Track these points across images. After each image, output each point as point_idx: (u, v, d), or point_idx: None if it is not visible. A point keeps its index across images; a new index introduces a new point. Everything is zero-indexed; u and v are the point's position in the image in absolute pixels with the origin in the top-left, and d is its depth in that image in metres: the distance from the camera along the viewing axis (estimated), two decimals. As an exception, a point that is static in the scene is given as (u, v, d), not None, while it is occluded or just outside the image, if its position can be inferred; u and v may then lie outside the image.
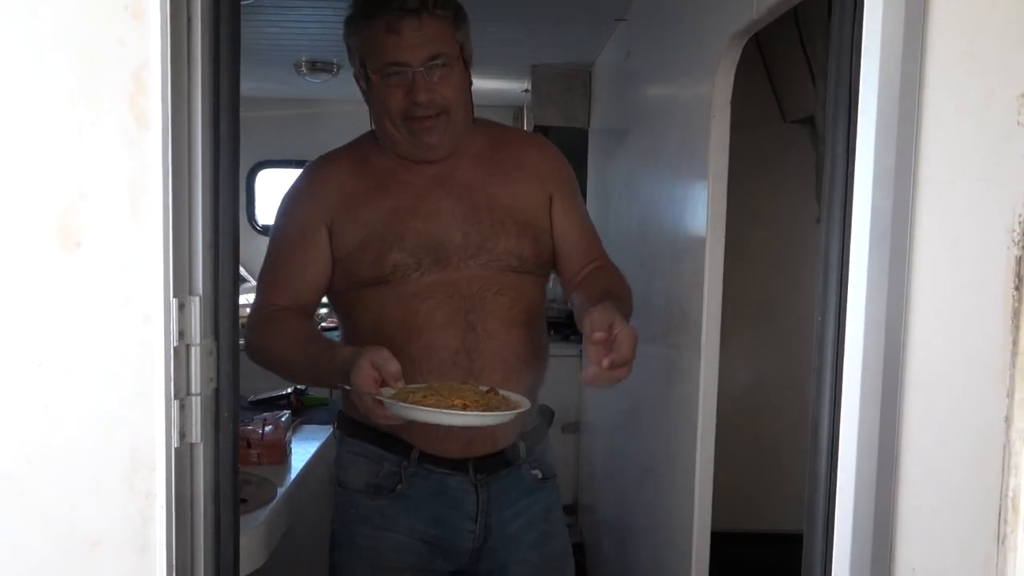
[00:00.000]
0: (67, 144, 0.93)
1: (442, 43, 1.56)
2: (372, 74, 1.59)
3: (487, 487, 1.66)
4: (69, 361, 0.96)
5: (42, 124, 0.93)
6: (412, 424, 1.46)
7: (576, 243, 1.73)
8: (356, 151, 1.72)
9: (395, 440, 1.63)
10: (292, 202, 1.71)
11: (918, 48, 0.77)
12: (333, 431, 1.77)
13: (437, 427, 1.51)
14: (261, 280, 1.70)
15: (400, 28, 1.53)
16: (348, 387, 1.37)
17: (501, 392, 1.46)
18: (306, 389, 2.58)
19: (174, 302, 0.93)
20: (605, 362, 1.34)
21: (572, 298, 1.73)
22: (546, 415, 1.77)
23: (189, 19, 0.93)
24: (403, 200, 1.62)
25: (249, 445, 1.99)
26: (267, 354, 1.61)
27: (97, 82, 0.93)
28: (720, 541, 1.81)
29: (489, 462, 1.66)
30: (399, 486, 1.64)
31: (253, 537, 1.62)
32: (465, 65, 1.62)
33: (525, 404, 1.44)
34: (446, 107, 1.57)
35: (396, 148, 1.63)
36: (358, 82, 1.66)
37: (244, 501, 1.67)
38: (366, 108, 1.68)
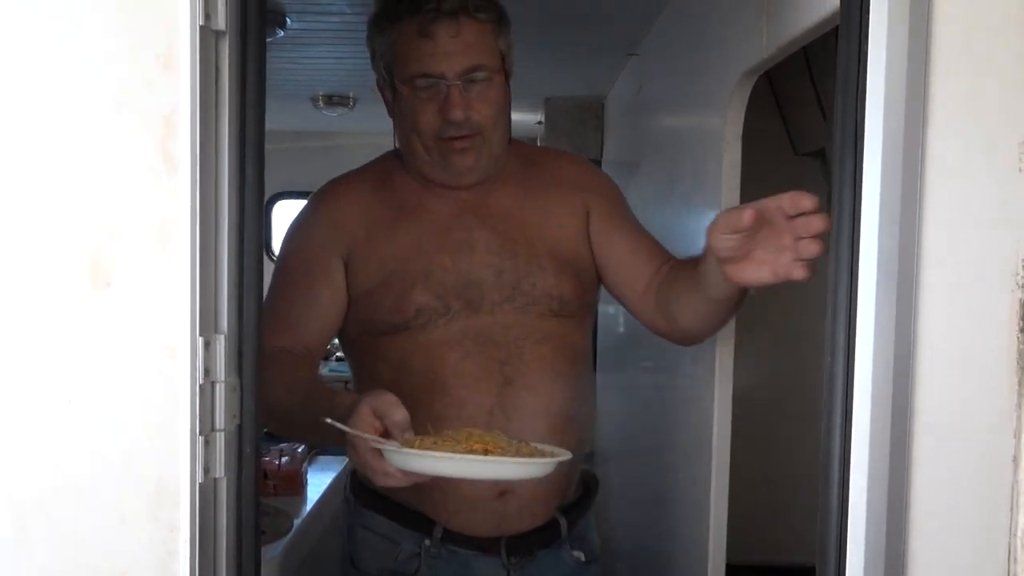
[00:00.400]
0: (100, 187, 0.97)
1: (482, 52, 1.36)
2: (399, 84, 1.39)
3: (521, 571, 1.43)
4: (98, 397, 0.98)
5: (76, 168, 0.97)
6: (434, 492, 1.30)
7: (632, 256, 1.48)
8: (377, 171, 1.52)
9: (415, 514, 1.42)
10: (303, 229, 1.49)
11: (921, 95, 0.80)
12: (344, 495, 1.54)
13: (460, 494, 1.34)
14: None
15: (435, 33, 1.33)
16: (343, 427, 1.13)
17: (536, 445, 1.20)
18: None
19: (200, 340, 0.96)
20: (786, 202, 0.98)
21: (652, 312, 1.46)
22: (591, 485, 1.57)
23: (217, 68, 0.96)
24: (430, 230, 1.43)
25: (266, 476, 2.02)
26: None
27: (128, 128, 0.97)
28: (735, 573, 1.81)
29: (525, 541, 1.43)
30: (418, 572, 1.41)
31: (270, 569, 1.64)
32: (506, 77, 1.41)
33: (567, 455, 1.21)
34: (483, 128, 1.38)
35: (423, 170, 1.44)
36: (382, 91, 1.47)
37: (262, 533, 1.69)
38: (382, 140, 1.54)
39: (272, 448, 2.19)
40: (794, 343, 3.17)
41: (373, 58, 1.45)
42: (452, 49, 1.34)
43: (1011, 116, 0.78)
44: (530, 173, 1.52)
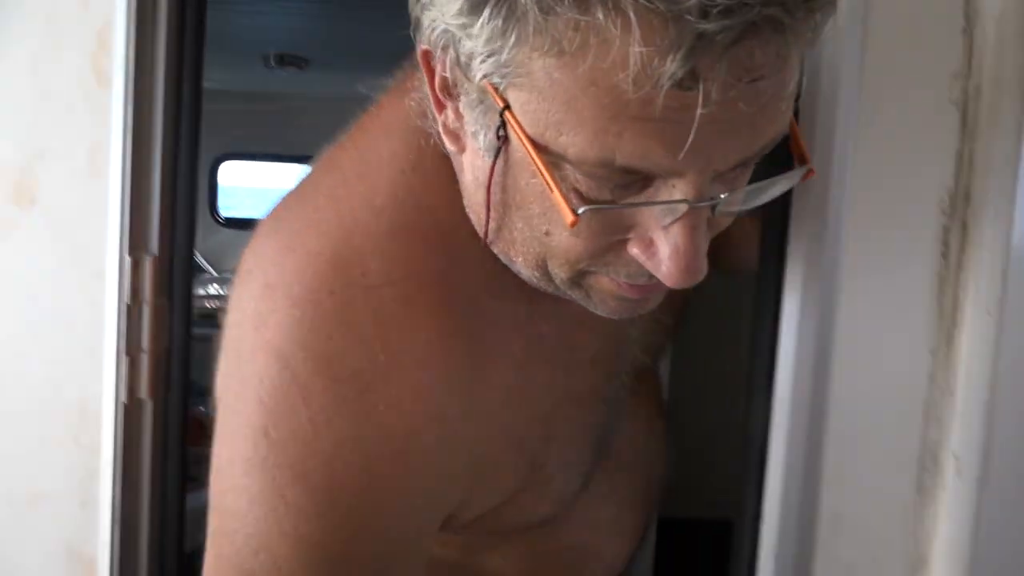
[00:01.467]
0: (29, 104, 0.94)
1: (786, 110, 0.54)
2: (539, 152, 0.53)
3: None
4: (20, 317, 0.96)
5: (5, 85, 0.94)
6: None
7: None
8: (431, 254, 0.67)
9: None
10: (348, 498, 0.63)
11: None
12: None
13: None
14: None
15: (713, 86, 0.48)
16: None
17: None
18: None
19: (128, 260, 0.94)
20: None
21: None
22: None
23: (155, -22, 0.94)
24: (568, 365, 0.77)
25: (202, 427, 1.98)
26: None
27: (60, 43, 0.94)
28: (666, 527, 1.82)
29: None
30: None
31: (199, 516, 1.61)
32: None
33: None
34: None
35: (531, 281, 0.66)
36: (437, 104, 0.61)
37: (192, 479, 1.66)
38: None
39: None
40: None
41: (446, 48, 0.56)
42: (741, 121, 0.51)
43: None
44: None
